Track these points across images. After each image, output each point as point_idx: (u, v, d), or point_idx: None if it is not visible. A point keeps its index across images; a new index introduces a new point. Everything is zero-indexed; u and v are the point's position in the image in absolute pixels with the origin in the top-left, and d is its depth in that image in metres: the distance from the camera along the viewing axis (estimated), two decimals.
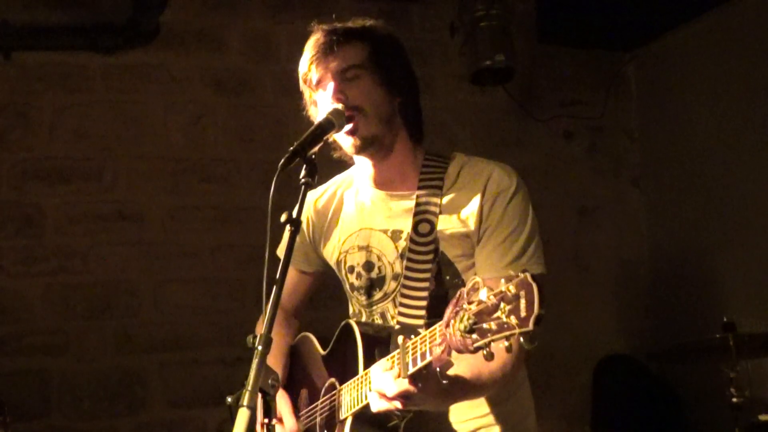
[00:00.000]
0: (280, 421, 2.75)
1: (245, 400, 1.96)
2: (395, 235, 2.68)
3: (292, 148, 2.31)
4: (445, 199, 2.63)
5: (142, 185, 5.14)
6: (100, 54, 5.11)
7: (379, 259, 2.70)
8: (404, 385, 2.17)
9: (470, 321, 1.87)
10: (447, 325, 1.97)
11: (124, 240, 5.08)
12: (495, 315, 1.82)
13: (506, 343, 1.81)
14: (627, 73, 6.33)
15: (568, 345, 5.81)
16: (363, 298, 2.76)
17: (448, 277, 2.59)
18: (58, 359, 4.88)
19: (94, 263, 5.01)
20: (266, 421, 2.05)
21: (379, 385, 2.22)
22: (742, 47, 5.43)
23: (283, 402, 2.79)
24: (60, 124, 5.05)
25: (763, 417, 4.46)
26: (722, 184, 5.55)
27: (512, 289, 1.80)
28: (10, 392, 4.43)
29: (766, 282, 5.18)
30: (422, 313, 2.52)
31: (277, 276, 2.18)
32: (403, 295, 2.58)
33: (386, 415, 2.35)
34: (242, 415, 1.94)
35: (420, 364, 2.10)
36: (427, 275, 2.57)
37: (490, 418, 2.66)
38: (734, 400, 4.25)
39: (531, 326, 1.75)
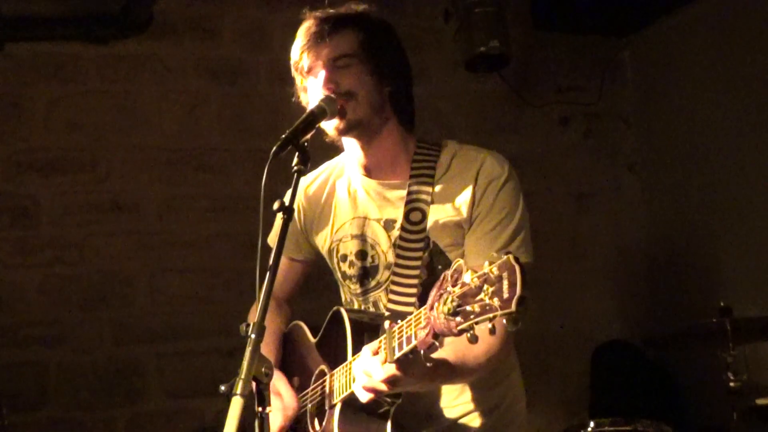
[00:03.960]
0: (278, 395, 2.71)
1: (238, 389, 1.96)
2: (388, 225, 2.68)
3: (284, 135, 2.31)
4: (437, 188, 2.63)
5: (136, 175, 5.13)
6: (93, 44, 5.10)
7: (373, 248, 2.71)
8: (391, 370, 2.17)
9: (454, 303, 1.87)
10: (431, 308, 1.96)
11: (119, 230, 5.07)
12: (478, 297, 1.81)
13: (489, 326, 1.80)
14: (622, 58, 6.31)
15: (565, 331, 5.82)
16: (355, 287, 2.77)
17: (440, 267, 2.59)
18: (55, 350, 4.88)
19: (90, 254, 5.00)
20: (260, 409, 2.05)
21: (367, 370, 2.23)
22: (737, 32, 5.41)
23: (279, 380, 2.76)
24: (54, 115, 5.03)
25: (760, 401, 4.46)
26: (718, 169, 5.54)
27: (495, 270, 1.79)
28: (7, 383, 4.45)
29: (763, 266, 5.19)
30: (412, 301, 2.52)
31: (270, 264, 2.18)
32: (394, 283, 2.59)
33: (376, 402, 2.35)
34: (235, 404, 1.94)
35: (405, 348, 2.10)
36: (418, 263, 2.57)
37: (480, 403, 2.68)
38: (731, 384, 4.23)
39: (513, 307, 1.74)
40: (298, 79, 2.73)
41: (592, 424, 4.02)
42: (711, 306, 4.33)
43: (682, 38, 5.85)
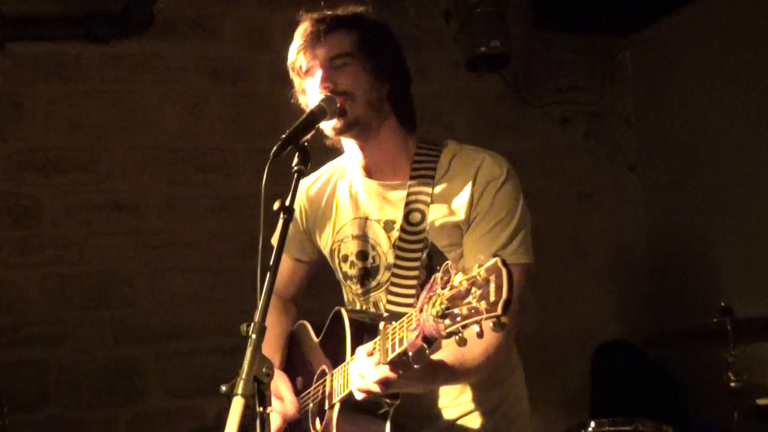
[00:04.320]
0: (279, 398, 2.75)
1: (239, 389, 1.96)
2: (388, 226, 2.69)
3: (284, 135, 2.31)
4: (437, 189, 2.63)
5: (138, 175, 5.13)
6: (94, 44, 5.10)
7: (374, 248, 2.71)
8: (384, 371, 2.18)
9: (443, 306, 1.87)
10: (421, 310, 1.96)
11: (120, 230, 5.07)
12: (466, 300, 1.82)
13: (477, 329, 1.80)
14: (623, 58, 6.31)
15: (565, 331, 5.82)
16: (356, 287, 2.78)
17: (438, 267, 2.59)
18: (56, 350, 4.88)
19: (91, 253, 5.00)
20: (261, 409, 2.05)
21: (360, 371, 2.24)
22: (738, 32, 5.41)
23: (281, 382, 2.79)
24: (55, 115, 5.03)
25: (761, 401, 4.46)
26: (719, 169, 5.54)
27: (483, 273, 1.80)
28: (8, 383, 4.45)
29: (764, 266, 5.18)
30: (411, 301, 2.52)
31: (271, 264, 2.19)
32: (393, 284, 2.60)
33: (376, 403, 2.36)
34: (236, 404, 1.94)
35: (398, 350, 2.10)
36: (417, 264, 2.58)
37: (480, 404, 2.69)
38: (732, 384, 4.23)
39: (499, 311, 1.74)
40: (297, 81, 2.74)
41: (592, 424, 4.02)
42: (712, 306, 4.33)
43: (682, 38, 5.85)
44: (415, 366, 2.11)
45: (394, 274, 2.61)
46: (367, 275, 2.74)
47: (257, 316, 2.08)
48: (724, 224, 5.50)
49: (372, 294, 2.74)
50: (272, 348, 2.90)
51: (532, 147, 5.96)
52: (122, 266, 5.06)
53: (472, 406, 2.68)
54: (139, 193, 5.13)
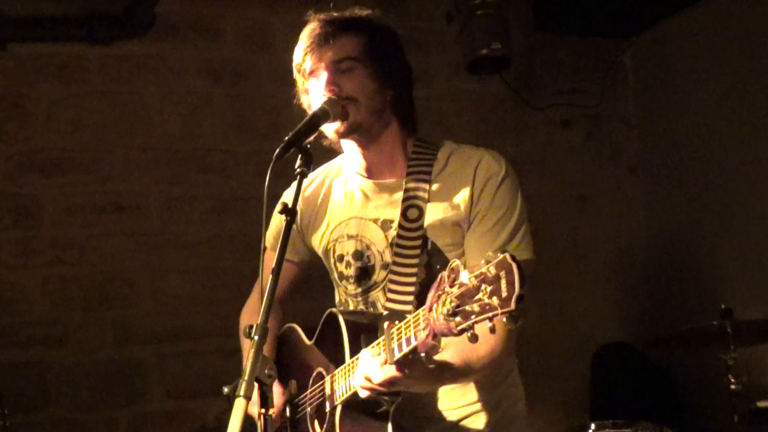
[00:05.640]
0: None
1: (242, 390, 1.96)
2: (385, 225, 2.69)
3: (287, 137, 2.31)
4: (434, 186, 2.63)
5: (139, 176, 5.13)
6: (96, 45, 5.10)
7: (369, 248, 2.71)
8: (391, 371, 2.18)
9: (452, 304, 1.88)
10: (430, 309, 1.97)
11: (121, 231, 5.07)
12: (477, 297, 1.83)
13: (489, 324, 1.81)
14: (624, 60, 6.31)
15: (566, 333, 5.82)
16: (352, 288, 2.77)
17: (438, 266, 2.59)
18: (57, 351, 4.88)
19: (92, 254, 5.00)
20: (263, 411, 2.05)
21: (366, 371, 2.24)
22: (739, 34, 5.42)
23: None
24: (56, 116, 5.03)
25: (761, 403, 4.47)
26: (720, 171, 5.54)
27: (492, 269, 1.81)
28: (9, 384, 4.44)
29: (764, 268, 5.19)
30: (410, 299, 2.53)
31: (273, 265, 2.19)
32: (392, 282, 2.59)
33: (376, 402, 2.36)
34: (239, 405, 1.94)
35: (405, 349, 2.10)
36: (415, 261, 2.57)
37: (480, 405, 2.69)
38: (732, 387, 4.24)
39: (513, 306, 1.76)
40: (300, 81, 2.74)
41: (593, 426, 4.02)
42: (712, 308, 4.34)
43: (683, 41, 5.85)
44: (430, 366, 2.12)
45: (392, 272, 2.60)
46: (363, 275, 2.74)
47: (260, 318, 2.09)
48: (725, 226, 5.50)
49: (369, 294, 2.73)
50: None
51: (533, 149, 5.97)
52: (123, 267, 5.06)
53: (473, 407, 2.69)
54: (139, 194, 5.13)
